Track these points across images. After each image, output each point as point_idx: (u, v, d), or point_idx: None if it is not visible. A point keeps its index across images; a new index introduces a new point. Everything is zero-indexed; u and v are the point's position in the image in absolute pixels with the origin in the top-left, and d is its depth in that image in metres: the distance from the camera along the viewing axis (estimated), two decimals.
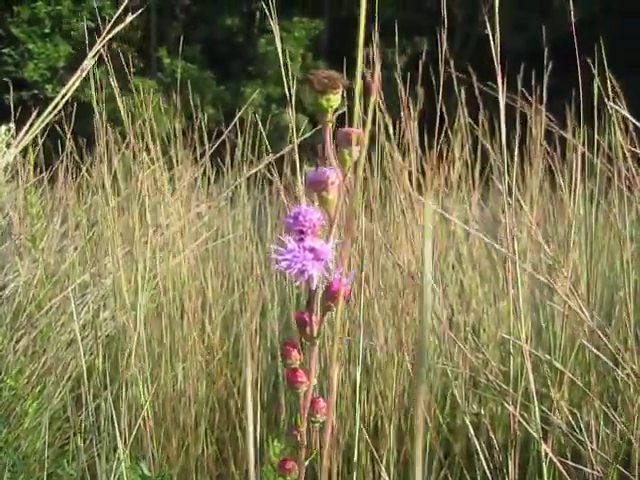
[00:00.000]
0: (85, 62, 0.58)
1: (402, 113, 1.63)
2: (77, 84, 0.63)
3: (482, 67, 1.39)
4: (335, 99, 0.49)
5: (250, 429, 0.34)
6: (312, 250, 0.48)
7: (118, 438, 0.94)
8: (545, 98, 1.75)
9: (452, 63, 1.67)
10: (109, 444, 1.28)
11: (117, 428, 0.95)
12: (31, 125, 0.64)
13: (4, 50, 13.13)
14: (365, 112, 0.50)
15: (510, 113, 1.75)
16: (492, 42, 1.10)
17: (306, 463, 0.50)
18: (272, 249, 0.48)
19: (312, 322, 0.51)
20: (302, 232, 0.49)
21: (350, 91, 0.55)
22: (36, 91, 12.14)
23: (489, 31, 1.11)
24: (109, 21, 0.70)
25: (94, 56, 0.60)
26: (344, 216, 0.48)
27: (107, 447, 1.26)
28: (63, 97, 0.63)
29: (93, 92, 1.54)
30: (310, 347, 0.50)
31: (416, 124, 1.67)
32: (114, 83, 1.54)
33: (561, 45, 1.79)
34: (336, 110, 0.49)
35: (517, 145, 1.44)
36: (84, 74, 0.60)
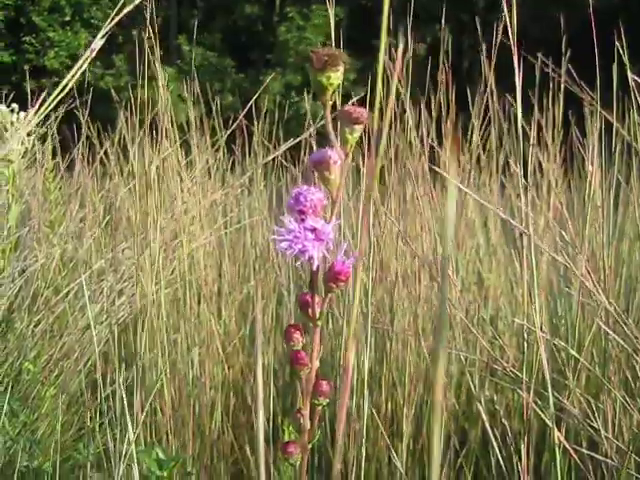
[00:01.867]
0: (94, 42, 0.58)
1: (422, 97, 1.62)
2: (86, 65, 0.63)
3: (502, 56, 1.37)
4: (335, 77, 0.48)
5: (260, 415, 0.33)
6: (313, 230, 0.48)
7: (129, 423, 0.94)
8: (563, 85, 1.73)
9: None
10: (124, 428, 1.29)
11: (130, 413, 0.95)
12: (41, 105, 0.64)
13: (25, 38, 13.21)
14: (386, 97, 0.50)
15: (528, 100, 1.74)
16: (509, 28, 1.09)
17: (310, 446, 0.50)
18: (274, 230, 0.48)
19: (314, 303, 0.50)
20: (303, 212, 0.48)
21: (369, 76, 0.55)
22: (57, 79, 12.21)
23: (507, 17, 1.10)
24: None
25: (103, 36, 0.60)
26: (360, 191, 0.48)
27: (122, 431, 1.27)
28: (72, 77, 0.63)
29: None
30: (313, 329, 0.50)
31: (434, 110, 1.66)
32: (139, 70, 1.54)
33: (579, 35, 1.77)
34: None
35: (535, 131, 1.42)
36: (93, 54, 0.60)
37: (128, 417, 0.93)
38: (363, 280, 1.25)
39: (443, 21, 1.88)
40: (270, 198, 2.31)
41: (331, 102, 0.48)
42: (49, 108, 0.65)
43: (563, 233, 1.34)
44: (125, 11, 0.63)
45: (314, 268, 0.49)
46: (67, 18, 13.39)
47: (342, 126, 0.49)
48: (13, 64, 12.64)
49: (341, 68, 0.48)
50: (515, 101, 1.06)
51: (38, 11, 13.28)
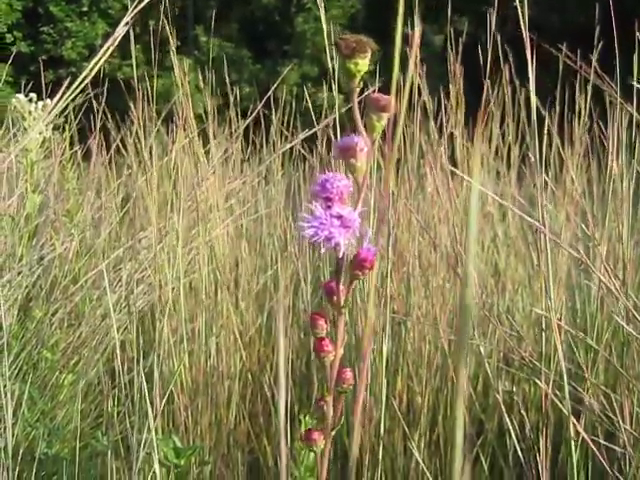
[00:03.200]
0: (117, 31, 0.58)
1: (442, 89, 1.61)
2: (107, 55, 0.63)
3: (519, 48, 1.37)
4: (363, 64, 0.48)
5: (282, 401, 0.33)
6: (339, 217, 0.48)
7: (149, 410, 0.95)
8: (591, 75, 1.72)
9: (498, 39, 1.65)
10: (142, 417, 1.29)
11: (149, 400, 0.96)
12: (62, 95, 0.64)
13: (43, 28, 13.26)
14: (403, 84, 0.49)
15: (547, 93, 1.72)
16: (521, 18, 1.08)
17: (332, 434, 0.50)
18: (300, 217, 0.47)
19: (339, 290, 0.50)
20: (329, 199, 0.48)
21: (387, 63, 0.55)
22: (74, 69, 12.24)
23: (518, 8, 1.09)
24: None
25: (126, 24, 0.60)
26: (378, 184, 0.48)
27: (141, 419, 1.28)
28: (94, 67, 0.63)
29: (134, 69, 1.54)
30: (337, 316, 0.50)
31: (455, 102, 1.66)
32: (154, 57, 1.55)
33: (599, 25, 1.75)
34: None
35: (556, 123, 1.42)
36: (116, 43, 0.60)
37: (149, 405, 0.94)
38: (381, 269, 1.25)
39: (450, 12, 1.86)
40: (287, 188, 2.31)
41: (359, 88, 0.48)
42: (70, 97, 0.65)
43: (583, 226, 1.33)
44: (145, 2, 0.63)
45: (340, 255, 0.49)
46: (85, 8, 13.43)
47: (369, 113, 0.48)
48: (31, 54, 12.69)
49: (369, 54, 0.48)
50: (530, 90, 1.05)
51: (56, 1, 13.33)
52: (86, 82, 0.64)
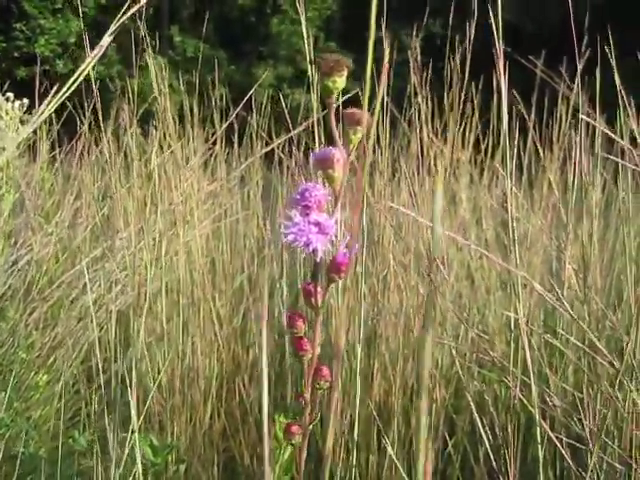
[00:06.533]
0: (104, 39, 0.60)
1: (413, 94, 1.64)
2: (94, 61, 0.65)
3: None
4: (341, 81, 0.52)
5: (265, 393, 0.36)
6: (317, 224, 0.51)
7: (133, 410, 0.96)
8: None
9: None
10: (119, 416, 1.31)
11: (132, 400, 0.98)
12: (49, 102, 0.66)
13: (15, 25, 13.14)
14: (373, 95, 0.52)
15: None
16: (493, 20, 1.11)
17: (310, 428, 0.53)
18: (280, 223, 0.50)
19: (317, 293, 0.53)
20: (308, 207, 0.51)
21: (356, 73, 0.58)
22: (47, 67, 12.15)
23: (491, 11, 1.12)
24: None
25: (112, 34, 0.62)
26: (353, 191, 0.50)
27: (117, 419, 1.29)
28: (81, 74, 0.65)
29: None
30: (315, 316, 0.53)
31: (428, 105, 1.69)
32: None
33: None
34: (345, 92, 0.51)
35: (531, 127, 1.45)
36: (102, 51, 0.62)
37: (132, 404, 0.96)
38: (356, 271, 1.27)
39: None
40: (263, 191, 2.33)
41: (335, 105, 0.51)
42: (58, 102, 0.67)
43: (552, 238, 1.37)
44: (134, 9, 0.65)
45: (317, 260, 0.52)
46: (58, 6, 13.32)
47: (345, 127, 0.51)
48: (3, 51, 12.58)
49: (345, 72, 0.51)
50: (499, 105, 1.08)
51: None
52: (73, 87, 0.66)
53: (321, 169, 0.53)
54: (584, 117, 1.15)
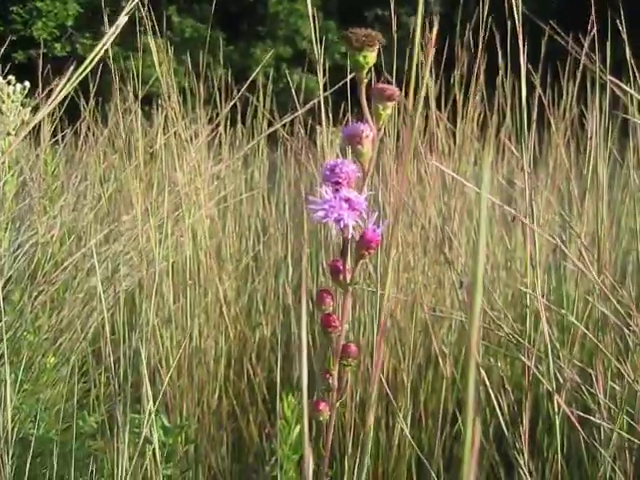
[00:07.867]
0: (120, 18, 0.60)
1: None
2: (109, 44, 0.64)
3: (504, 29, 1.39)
4: (372, 56, 0.51)
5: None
6: (347, 200, 0.50)
7: (148, 390, 0.96)
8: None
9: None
10: (127, 397, 1.31)
11: (147, 381, 0.98)
12: (65, 83, 0.65)
13: (12, 8, 13.06)
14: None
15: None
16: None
17: (337, 405, 0.53)
18: (310, 200, 0.50)
19: (345, 269, 0.53)
20: (338, 183, 0.51)
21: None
22: (45, 50, 12.07)
23: None
24: None
25: (127, 14, 0.61)
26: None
27: (126, 399, 1.30)
28: (95, 56, 0.64)
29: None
30: (343, 294, 0.53)
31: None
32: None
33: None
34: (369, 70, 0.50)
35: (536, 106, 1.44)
36: (118, 30, 0.61)
37: (147, 386, 0.96)
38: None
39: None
40: (269, 171, 2.33)
41: (366, 80, 0.51)
42: (69, 88, 0.67)
43: (562, 212, 1.37)
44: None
45: (348, 236, 0.52)
46: None
47: (375, 102, 0.51)
48: (1, 35, 12.51)
49: (377, 47, 0.50)
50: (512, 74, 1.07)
51: None
52: (85, 73, 0.66)
53: (350, 144, 0.52)
54: (611, 78, 1.14)
